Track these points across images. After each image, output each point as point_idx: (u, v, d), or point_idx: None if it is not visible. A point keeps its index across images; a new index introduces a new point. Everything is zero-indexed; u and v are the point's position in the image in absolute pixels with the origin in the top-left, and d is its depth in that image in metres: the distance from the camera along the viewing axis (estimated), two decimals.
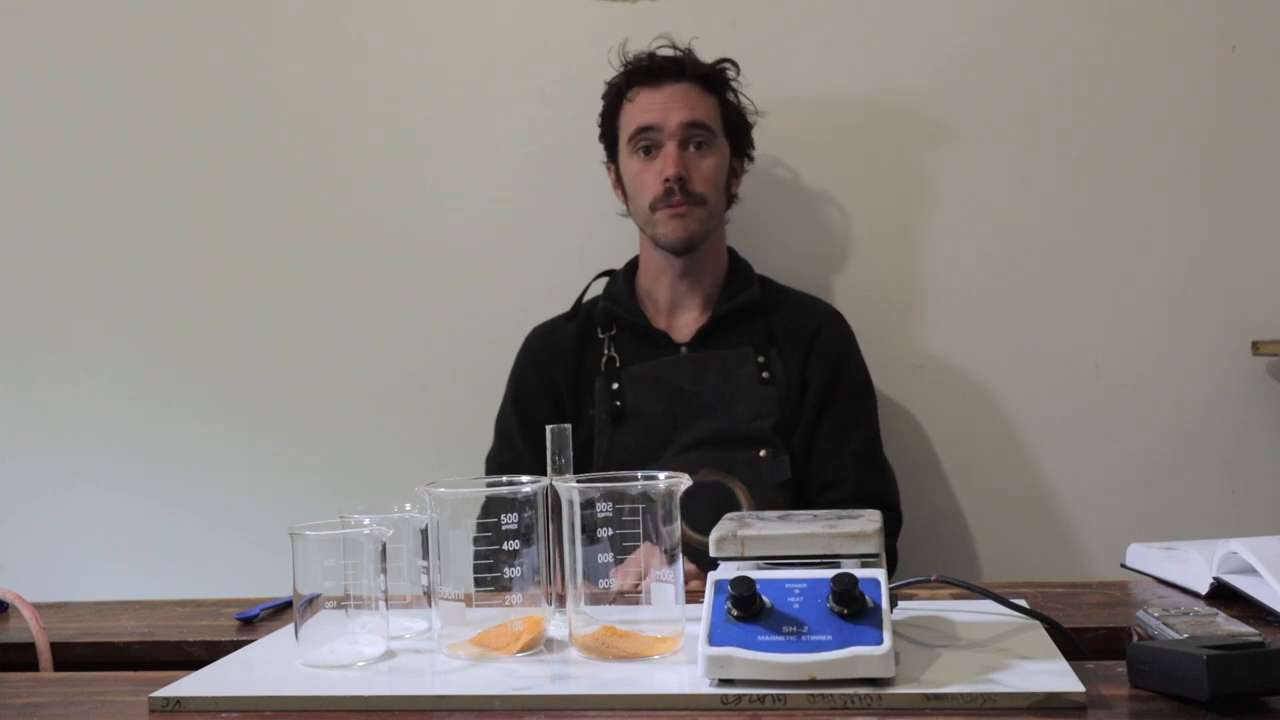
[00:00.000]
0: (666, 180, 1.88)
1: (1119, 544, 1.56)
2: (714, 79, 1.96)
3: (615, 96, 1.97)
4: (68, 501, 2.31)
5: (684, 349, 1.94)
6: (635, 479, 1.08)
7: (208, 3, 2.27)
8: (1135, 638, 1.10)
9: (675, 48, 1.97)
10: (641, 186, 1.92)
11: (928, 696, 0.94)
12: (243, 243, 2.28)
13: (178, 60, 2.28)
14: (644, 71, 1.94)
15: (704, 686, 0.97)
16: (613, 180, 2.02)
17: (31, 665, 1.30)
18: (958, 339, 2.15)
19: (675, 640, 1.07)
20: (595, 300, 2.02)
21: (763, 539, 1.05)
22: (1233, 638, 0.95)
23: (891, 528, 1.89)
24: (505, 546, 1.09)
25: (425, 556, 1.18)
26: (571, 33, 2.19)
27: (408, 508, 1.20)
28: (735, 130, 1.98)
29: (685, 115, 1.90)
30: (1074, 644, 1.10)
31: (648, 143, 1.91)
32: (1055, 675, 0.97)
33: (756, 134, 2.03)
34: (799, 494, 1.88)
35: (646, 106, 1.92)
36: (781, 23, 2.15)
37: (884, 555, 1.08)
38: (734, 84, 1.98)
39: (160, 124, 2.29)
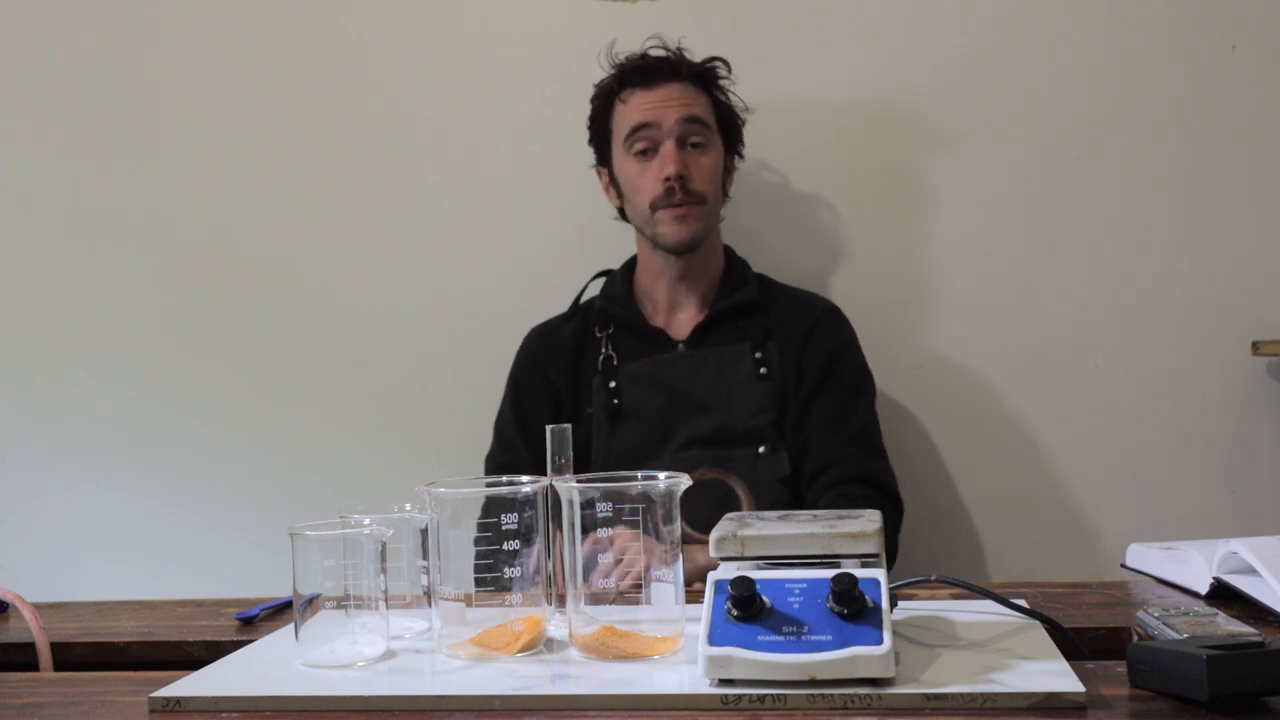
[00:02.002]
0: (667, 179, 1.88)
1: (1119, 544, 1.56)
2: (706, 77, 1.96)
3: (606, 98, 1.96)
4: (68, 501, 2.31)
5: (681, 346, 1.94)
6: (635, 479, 1.08)
7: (208, 3, 2.27)
8: (1135, 638, 1.10)
9: (665, 48, 1.97)
10: (640, 188, 1.91)
11: (928, 696, 0.94)
12: (243, 243, 2.28)
13: (178, 60, 2.28)
14: (637, 72, 1.93)
15: (704, 686, 0.97)
16: (604, 183, 2.01)
17: (31, 665, 1.30)
18: (958, 339, 2.15)
19: (675, 640, 1.07)
20: (593, 300, 2.02)
21: (763, 539, 1.05)
22: (1233, 638, 0.95)
23: (893, 523, 1.88)
24: (505, 546, 1.09)
25: (425, 556, 1.18)
26: (571, 33, 2.19)
27: (408, 508, 1.20)
28: (728, 128, 1.99)
29: (682, 112, 1.90)
30: (1074, 644, 1.10)
31: (645, 143, 1.90)
32: (1055, 675, 0.97)
33: (759, 134, 2.04)
34: (797, 486, 1.87)
35: (641, 106, 1.91)
36: (781, 23, 2.16)
37: (884, 555, 1.08)
38: (724, 82, 1.98)
39: (160, 124, 2.29)
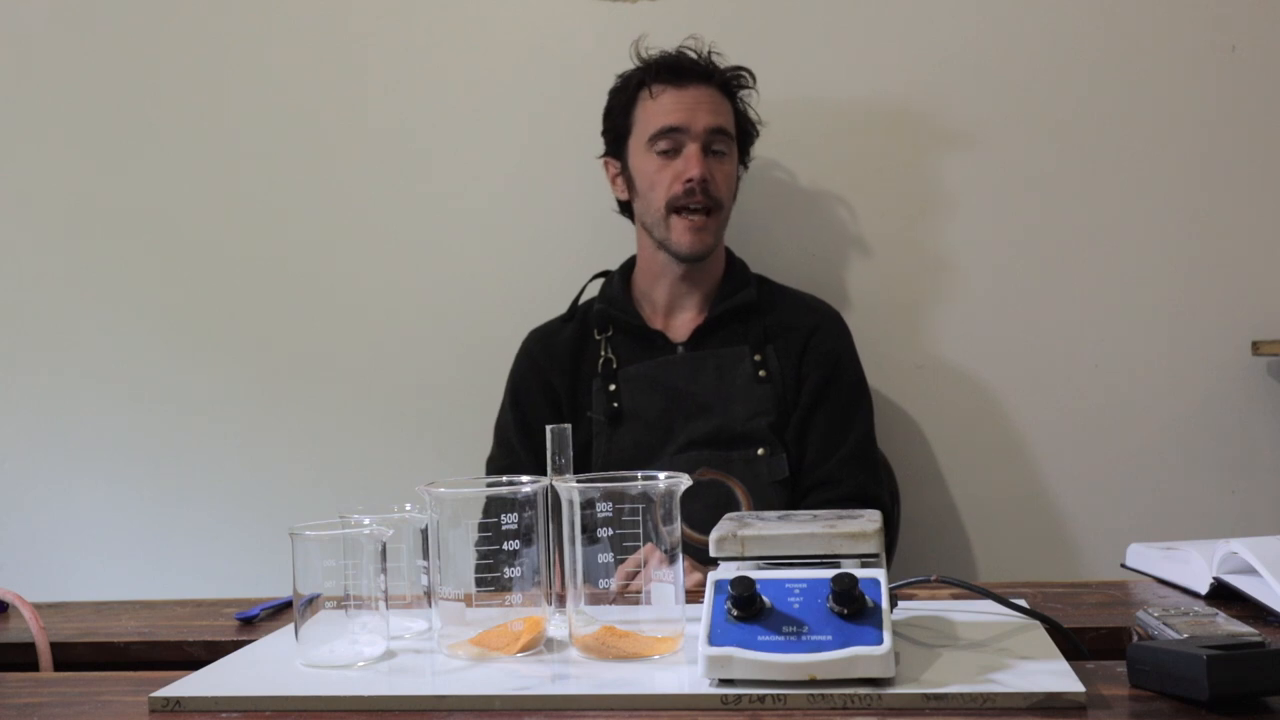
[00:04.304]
0: (689, 181, 1.88)
1: (1119, 544, 1.56)
2: (733, 86, 1.96)
3: (632, 91, 1.95)
4: (67, 501, 2.31)
5: (680, 349, 1.94)
6: (635, 479, 1.08)
7: (210, 4, 2.27)
8: (1135, 638, 1.10)
9: (697, 51, 1.96)
10: (658, 185, 1.91)
11: (928, 696, 0.94)
12: (243, 243, 2.28)
13: (179, 60, 2.28)
14: (670, 69, 1.92)
15: (704, 686, 0.97)
16: (612, 174, 2.00)
17: (31, 665, 1.30)
18: (958, 339, 2.15)
19: (675, 640, 1.07)
20: (592, 301, 2.02)
21: (763, 539, 1.05)
22: (1233, 638, 0.95)
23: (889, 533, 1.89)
24: (505, 546, 1.09)
25: (425, 556, 1.18)
26: (571, 33, 2.19)
27: (408, 508, 1.20)
28: (743, 139, 2.00)
29: (710, 120, 1.90)
30: (1074, 644, 1.10)
31: (670, 144, 1.90)
32: (1055, 675, 0.97)
33: (762, 133, 2.04)
34: (795, 489, 1.88)
35: (671, 107, 1.90)
36: (782, 23, 2.16)
37: (884, 555, 1.08)
38: (747, 93, 1.99)
39: (161, 125, 2.29)
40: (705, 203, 1.89)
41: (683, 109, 1.90)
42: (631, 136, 1.95)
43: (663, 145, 1.90)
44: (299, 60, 2.26)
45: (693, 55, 1.95)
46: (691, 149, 1.89)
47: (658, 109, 1.91)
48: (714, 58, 1.96)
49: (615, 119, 1.97)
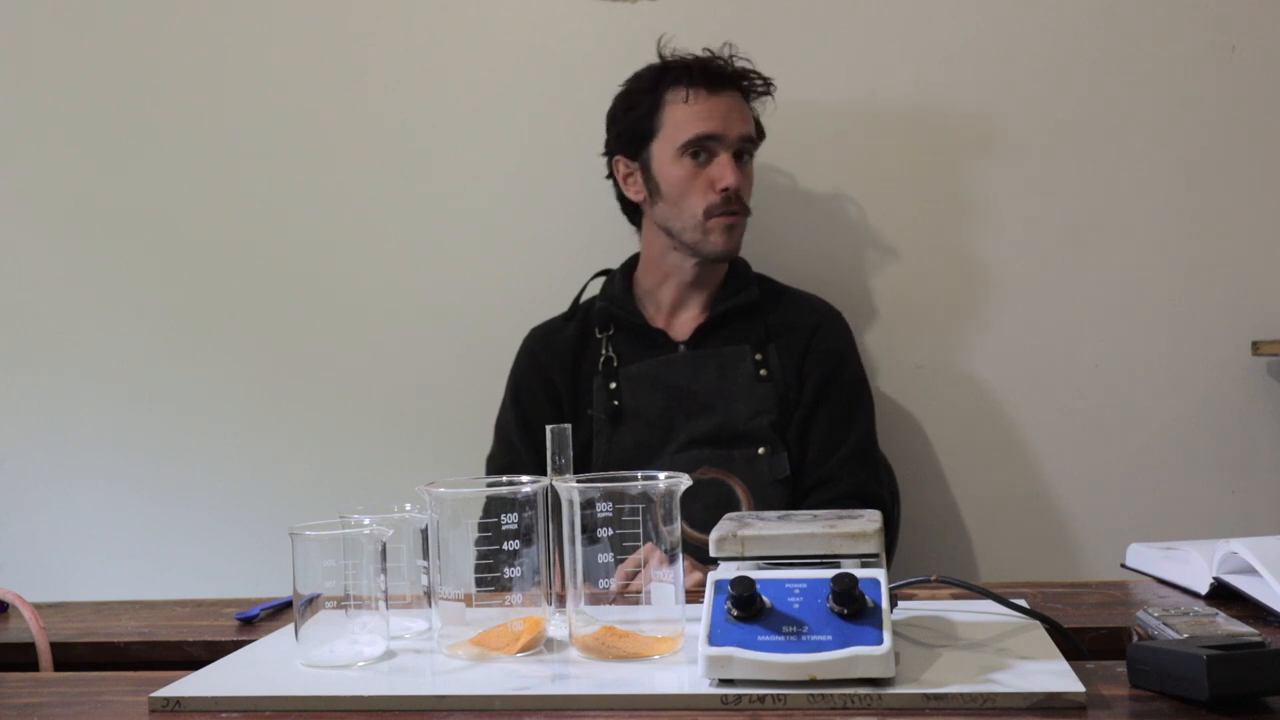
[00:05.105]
0: (725, 189, 1.88)
1: (1119, 544, 1.56)
2: (758, 93, 1.97)
3: (661, 93, 1.91)
4: (67, 501, 2.31)
5: (682, 347, 1.94)
6: (635, 479, 1.08)
7: (210, 4, 2.27)
8: (1135, 638, 1.10)
9: (721, 57, 1.95)
10: (691, 192, 1.89)
11: (928, 696, 0.94)
12: (243, 242, 2.28)
13: (179, 61, 2.28)
14: (705, 74, 1.91)
15: (704, 686, 0.97)
16: (624, 174, 1.96)
17: (31, 665, 1.30)
18: (958, 339, 2.15)
19: (675, 640, 1.07)
20: (593, 300, 2.02)
21: (763, 539, 1.05)
22: (1233, 638, 0.95)
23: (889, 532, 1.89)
24: (505, 546, 1.09)
25: (425, 556, 1.19)
26: (571, 33, 2.19)
27: (408, 508, 1.20)
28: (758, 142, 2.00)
29: (743, 128, 1.91)
30: (1074, 644, 1.10)
31: (703, 151, 1.89)
32: (1055, 675, 0.97)
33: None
34: (796, 488, 1.88)
35: (706, 113, 1.89)
36: (782, 23, 2.16)
37: (884, 555, 1.08)
38: (762, 101, 1.99)
39: (162, 124, 2.29)
40: (738, 208, 1.90)
41: (718, 117, 1.89)
42: (657, 140, 1.92)
43: (694, 151, 1.89)
44: (299, 60, 2.26)
45: (720, 61, 1.94)
46: (725, 157, 1.89)
47: (692, 115, 1.89)
48: (737, 63, 1.95)
49: (637, 119, 1.93)
